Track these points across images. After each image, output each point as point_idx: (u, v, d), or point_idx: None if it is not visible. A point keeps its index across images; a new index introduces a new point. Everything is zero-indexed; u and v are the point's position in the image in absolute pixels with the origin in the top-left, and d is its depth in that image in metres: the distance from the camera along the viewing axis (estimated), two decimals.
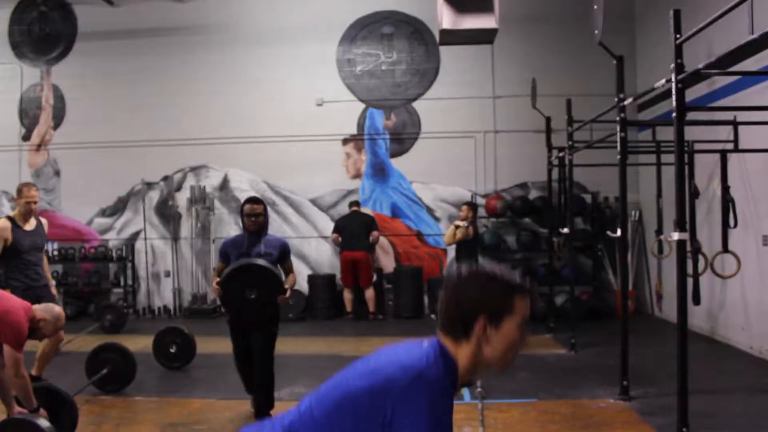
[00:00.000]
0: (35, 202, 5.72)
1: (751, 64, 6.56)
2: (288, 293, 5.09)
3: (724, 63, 4.60)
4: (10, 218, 5.65)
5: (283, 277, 5.29)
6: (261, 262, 5.02)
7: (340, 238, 10.46)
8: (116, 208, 11.62)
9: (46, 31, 11.67)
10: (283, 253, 5.29)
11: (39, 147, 11.72)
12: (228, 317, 5.41)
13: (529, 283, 1.78)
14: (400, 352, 1.72)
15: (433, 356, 1.69)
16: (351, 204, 10.66)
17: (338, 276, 10.75)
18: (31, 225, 5.72)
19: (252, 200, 5.30)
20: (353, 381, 1.70)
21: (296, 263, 11.11)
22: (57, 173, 11.64)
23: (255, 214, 5.16)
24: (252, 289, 4.96)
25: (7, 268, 5.53)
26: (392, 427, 1.59)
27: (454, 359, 1.72)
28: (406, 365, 1.65)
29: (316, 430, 1.71)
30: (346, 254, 10.41)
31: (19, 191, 5.74)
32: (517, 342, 1.73)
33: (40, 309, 4.46)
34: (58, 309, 4.63)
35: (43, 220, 5.97)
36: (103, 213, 11.61)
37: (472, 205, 8.68)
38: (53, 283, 6.09)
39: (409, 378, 1.62)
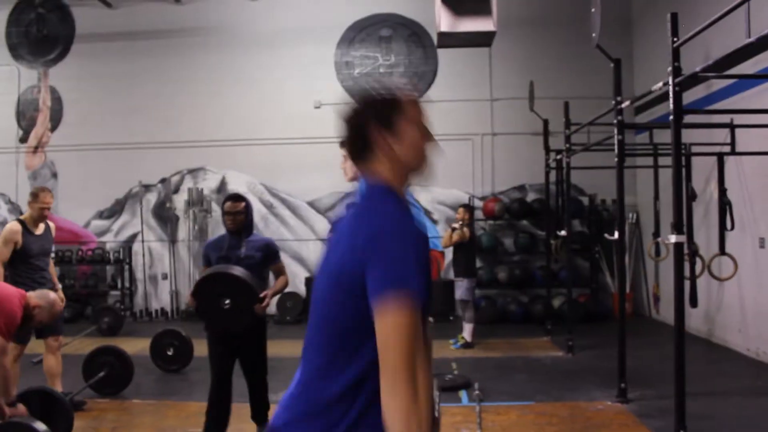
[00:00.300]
0: (49, 208, 5.61)
1: (748, 66, 6.56)
2: (265, 302, 4.65)
3: (721, 66, 4.60)
4: (20, 221, 5.54)
5: (272, 280, 5.03)
6: (235, 270, 4.62)
7: None
8: (113, 211, 11.61)
9: (43, 32, 11.67)
10: (268, 255, 4.87)
11: (36, 149, 11.71)
12: (205, 326, 4.93)
13: (413, 86, 1.85)
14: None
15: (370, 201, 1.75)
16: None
17: None
18: (40, 230, 5.62)
19: (232, 197, 4.87)
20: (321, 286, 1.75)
21: (293, 265, 11.22)
22: (54, 175, 11.63)
23: (235, 212, 4.73)
24: (226, 298, 4.59)
25: (14, 272, 5.40)
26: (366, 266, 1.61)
27: (384, 184, 1.77)
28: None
29: (316, 347, 1.76)
30: None
31: (35, 195, 5.59)
32: (419, 140, 1.79)
33: (35, 296, 4.47)
34: (53, 295, 4.63)
35: (51, 224, 5.86)
36: (101, 215, 11.59)
37: (468, 207, 8.66)
38: (60, 287, 5.95)
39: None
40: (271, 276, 5.13)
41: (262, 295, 4.63)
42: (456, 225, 8.25)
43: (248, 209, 4.81)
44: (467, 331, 8.23)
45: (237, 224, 4.75)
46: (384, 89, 1.81)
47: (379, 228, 1.62)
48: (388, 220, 1.64)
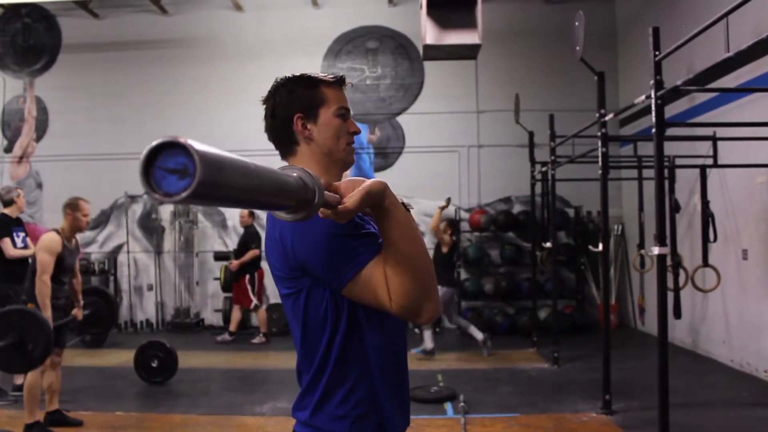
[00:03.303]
0: (88, 221, 5.40)
1: (730, 80, 6.65)
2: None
3: (702, 80, 4.66)
4: (58, 232, 5.23)
5: None
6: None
7: None
8: (99, 221, 11.53)
9: (29, 42, 11.62)
10: None
11: (21, 159, 11.63)
12: None
13: (335, 74, 1.82)
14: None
15: None
16: None
17: None
18: (73, 243, 5.36)
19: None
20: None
21: None
22: (39, 185, 11.55)
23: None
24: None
25: (33, 285, 5.14)
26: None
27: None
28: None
29: (301, 337, 1.73)
30: None
31: (74, 205, 5.28)
32: (341, 128, 1.77)
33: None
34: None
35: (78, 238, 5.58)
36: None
37: (451, 222, 8.71)
38: (82, 303, 5.73)
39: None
40: None
41: None
42: (443, 203, 8.42)
43: None
44: (473, 331, 8.39)
45: None
46: (305, 78, 1.80)
47: (298, 230, 1.60)
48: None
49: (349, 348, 1.65)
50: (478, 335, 8.33)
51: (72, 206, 5.28)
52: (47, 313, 4.95)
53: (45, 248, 5.10)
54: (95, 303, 6.13)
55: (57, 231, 5.24)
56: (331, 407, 1.66)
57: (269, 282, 10.85)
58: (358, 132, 1.82)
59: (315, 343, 1.67)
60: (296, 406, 1.75)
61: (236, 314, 9.85)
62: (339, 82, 1.81)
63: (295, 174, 1.12)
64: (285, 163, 1.79)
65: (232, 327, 9.80)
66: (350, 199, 1.33)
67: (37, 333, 4.68)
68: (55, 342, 5.27)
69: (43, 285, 5.02)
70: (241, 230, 11.31)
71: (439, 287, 8.17)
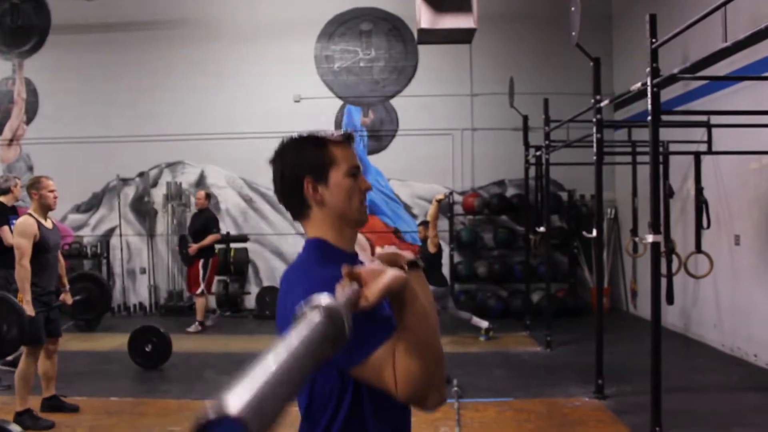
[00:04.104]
0: (56, 195, 5.30)
1: (724, 66, 6.64)
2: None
3: (698, 67, 4.64)
4: (30, 215, 5.17)
5: None
6: None
7: None
8: (91, 204, 11.48)
9: (18, 23, 11.47)
10: None
11: (11, 142, 11.54)
12: None
13: (344, 133, 1.78)
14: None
15: (304, 254, 1.73)
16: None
17: None
18: (49, 223, 5.29)
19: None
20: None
21: (273, 260, 11.21)
22: (30, 168, 11.46)
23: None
24: None
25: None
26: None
27: (317, 238, 1.72)
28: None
29: (305, 408, 1.69)
30: None
31: (37, 183, 5.21)
32: (353, 188, 1.72)
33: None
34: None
35: (53, 220, 5.51)
36: (78, 209, 11.46)
37: (426, 224, 8.54)
38: (68, 287, 5.71)
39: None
40: None
41: None
42: (440, 197, 8.39)
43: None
44: (476, 321, 8.45)
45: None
46: (313, 138, 1.74)
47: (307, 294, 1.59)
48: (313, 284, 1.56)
49: (349, 429, 1.61)
50: (483, 324, 8.40)
51: (35, 185, 5.23)
52: (27, 297, 4.92)
53: (20, 232, 5.06)
54: (88, 288, 6.11)
55: (29, 214, 5.19)
56: None
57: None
58: (370, 188, 1.77)
59: (317, 417, 1.63)
60: None
61: (198, 302, 9.39)
62: (348, 140, 1.77)
63: (318, 318, 1.08)
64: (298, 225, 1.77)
65: (199, 316, 9.33)
66: (371, 295, 1.30)
67: (13, 320, 4.65)
68: (49, 331, 5.27)
69: (22, 269, 4.98)
70: (236, 214, 11.28)
71: (432, 287, 8.19)
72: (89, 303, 6.08)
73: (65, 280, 5.72)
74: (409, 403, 1.51)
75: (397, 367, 1.45)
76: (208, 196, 9.61)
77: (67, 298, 5.67)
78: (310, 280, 1.57)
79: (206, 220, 9.33)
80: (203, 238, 9.13)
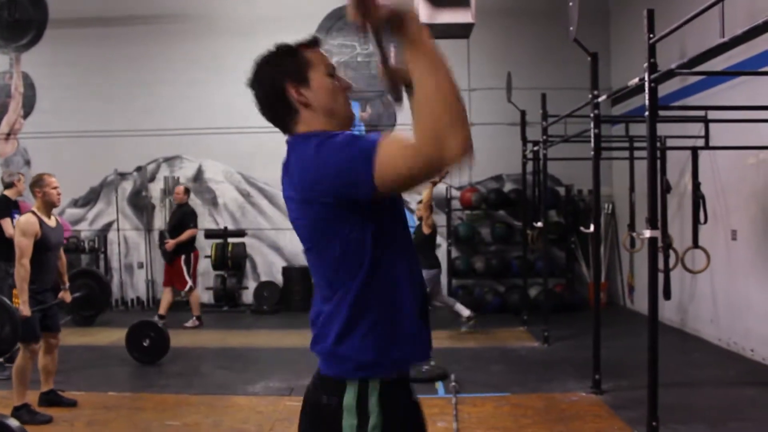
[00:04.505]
0: (59, 192, 5.27)
1: (722, 60, 6.64)
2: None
3: (695, 62, 4.65)
4: (34, 213, 5.15)
5: None
6: None
7: None
8: (88, 199, 11.48)
9: (15, 16, 11.44)
10: None
11: (8, 136, 11.52)
12: None
13: (311, 36, 1.83)
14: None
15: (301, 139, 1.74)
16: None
17: None
18: (52, 222, 5.27)
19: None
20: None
21: (271, 255, 11.22)
22: (27, 163, 11.45)
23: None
24: None
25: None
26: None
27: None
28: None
29: (319, 277, 1.77)
30: None
31: (40, 181, 5.20)
32: (336, 87, 1.77)
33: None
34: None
35: (58, 218, 5.51)
36: (75, 203, 11.46)
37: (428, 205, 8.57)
38: (68, 285, 5.69)
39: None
40: None
41: None
42: (435, 179, 8.36)
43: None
44: (458, 308, 8.44)
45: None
46: (283, 47, 1.78)
47: (316, 146, 1.62)
48: (317, 138, 1.64)
49: (374, 282, 1.67)
50: (464, 312, 8.37)
51: (38, 183, 5.20)
52: (24, 297, 4.90)
53: (21, 231, 5.02)
54: (87, 285, 6.10)
55: (32, 212, 5.16)
56: (356, 337, 1.68)
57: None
58: (350, 87, 1.82)
59: (339, 279, 1.70)
60: (316, 340, 1.77)
61: (168, 296, 9.10)
62: (315, 43, 1.82)
63: None
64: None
65: (162, 310, 8.98)
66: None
67: (5, 318, 4.63)
68: (48, 326, 5.28)
69: (21, 268, 4.95)
70: (234, 209, 11.28)
71: (423, 270, 8.17)
72: (89, 300, 6.08)
73: (66, 278, 5.70)
74: (432, 153, 1.46)
75: (416, 123, 1.47)
76: (187, 191, 9.44)
77: (66, 296, 5.66)
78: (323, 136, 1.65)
79: (183, 214, 9.12)
80: (181, 234, 8.90)
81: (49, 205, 5.23)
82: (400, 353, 1.72)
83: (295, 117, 1.75)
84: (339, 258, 1.68)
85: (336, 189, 1.58)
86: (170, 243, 8.85)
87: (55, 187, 5.22)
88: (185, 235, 8.89)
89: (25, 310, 4.88)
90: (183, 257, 8.99)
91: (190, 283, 9.01)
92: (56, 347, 5.47)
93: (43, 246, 5.10)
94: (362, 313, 1.68)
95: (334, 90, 1.77)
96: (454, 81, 1.48)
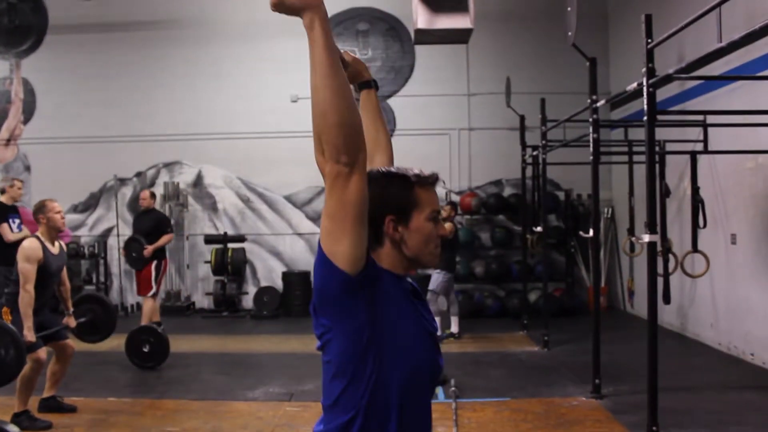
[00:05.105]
0: (63, 216, 5.26)
1: (720, 65, 6.65)
2: None
3: (694, 67, 4.66)
4: (37, 238, 5.12)
5: None
6: None
7: None
8: (88, 204, 11.49)
9: (15, 23, 11.46)
10: None
11: (8, 142, 11.53)
12: None
13: (431, 174, 1.75)
14: None
15: None
16: None
17: (313, 273, 10.70)
18: (56, 248, 5.24)
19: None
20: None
21: (270, 260, 11.22)
22: (27, 168, 11.46)
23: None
24: None
25: (17, 293, 5.01)
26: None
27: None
28: None
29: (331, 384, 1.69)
30: None
31: (42, 207, 5.15)
32: (432, 233, 1.70)
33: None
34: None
35: (62, 244, 5.48)
36: (75, 209, 11.46)
37: (453, 204, 8.74)
38: (72, 310, 5.64)
39: None
40: None
41: None
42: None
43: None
44: (454, 324, 8.44)
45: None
46: (401, 177, 1.70)
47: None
48: None
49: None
50: (454, 327, 8.42)
51: (41, 210, 5.17)
52: (28, 323, 4.87)
53: (24, 257, 4.98)
54: (92, 310, 6.08)
55: (37, 237, 5.13)
56: None
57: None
58: (447, 235, 1.81)
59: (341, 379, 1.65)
60: None
61: (147, 304, 8.42)
62: (434, 183, 1.74)
63: None
64: None
65: (155, 318, 8.36)
66: None
67: (8, 342, 4.61)
68: (56, 336, 5.27)
69: (26, 294, 4.91)
70: (233, 214, 11.28)
71: (439, 271, 8.18)
72: (94, 325, 6.05)
73: (70, 303, 5.67)
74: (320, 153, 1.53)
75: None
76: (153, 195, 9.05)
77: (71, 321, 5.62)
78: None
79: (157, 220, 8.72)
80: (155, 239, 8.46)
81: (53, 231, 5.21)
82: None
83: (375, 247, 1.67)
84: None
85: None
86: (149, 249, 8.40)
87: (58, 212, 5.20)
88: (163, 241, 8.50)
89: (30, 336, 4.86)
90: (155, 263, 8.57)
91: (154, 289, 8.46)
92: (71, 355, 5.46)
93: (44, 272, 5.08)
94: None
95: (429, 237, 1.70)
96: (331, 86, 1.50)
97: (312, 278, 1.66)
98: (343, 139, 1.48)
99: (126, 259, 8.80)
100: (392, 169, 1.74)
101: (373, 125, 2.06)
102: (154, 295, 8.36)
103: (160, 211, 9.08)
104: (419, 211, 1.68)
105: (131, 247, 8.58)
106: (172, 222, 11.12)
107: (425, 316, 1.77)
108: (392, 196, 1.67)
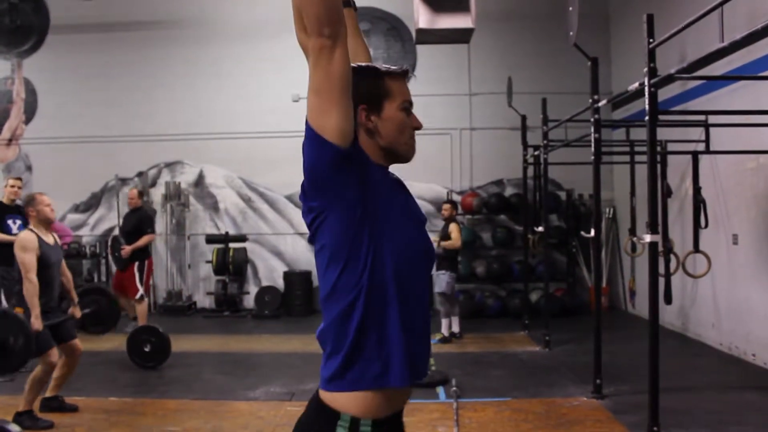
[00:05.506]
0: (52, 209, 5.28)
1: (722, 65, 6.65)
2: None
3: (695, 67, 4.65)
4: (32, 230, 5.15)
5: None
6: None
7: None
8: (90, 204, 11.50)
9: (17, 23, 11.46)
10: None
11: (10, 141, 11.54)
12: None
13: (400, 66, 1.79)
14: None
15: None
16: None
17: (314, 272, 10.71)
18: (50, 239, 5.27)
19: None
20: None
21: (272, 260, 11.22)
22: (29, 168, 11.47)
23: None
24: None
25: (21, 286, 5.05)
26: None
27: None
28: None
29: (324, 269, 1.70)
30: None
31: (32, 200, 5.20)
32: (405, 123, 1.75)
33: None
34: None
35: (56, 236, 5.51)
36: (77, 209, 11.48)
37: (453, 203, 8.71)
38: (77, 300, 5.70)
39: None
40: None
41: None
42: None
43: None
44: (455, 324, 8.41)
45: None
46: (371, 69, 1.75)
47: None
48: None
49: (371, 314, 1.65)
50: (455, 327, 8.41)
51: (30, 203, 5.22)
52: (36, 312, 4.90)
53: (21, 247, 5.02)
54: (96, 302, 6.11)
55: (30, 229, 5.17)
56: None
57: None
58: (420, 127, 1.79)
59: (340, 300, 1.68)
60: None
61: (140, 307, 8.25)
62: (404, 74, 1.78)
63: None
64: None
65: (141, 320, 8.12)
66: None
67: (17, 331, 4.63)
68: (63, 338, 5.28)
69: (30, 283, 4.95)
70: (235, 214, 11.28)
71: (443, 272, 8.17)
72: (98, 316, 6.08)
73: (74, 294, 5.70)
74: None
75: None
76: (141, 194, 8.95)
77: (76, 311, 5.68)
78: None
79: (139, 220, 8.52)
80: (137, 239, 8.29)
81: (44, 222, 5.25)
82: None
83: None
84: None
85: None
86: (126, 249, 8.24)
87: (47, 204, 5.24)
88: (142, 241, 8.31)
89: (37, 323, 4.88)
90: (137, 264, 8.37)
91: (141, 291, 8.30)
92: (79, 356, 5.46)
93: (43, 263, 5.11)
94: None
95: (403, 125, 1.74)
96: None
97: (303, 180, 1.70)
98: (325, 9, 1.55)
99: (112, 259, 8.75)
100: (362, 63, 1.79)
101: (354, 41, 2.05)
102: (142, 297, 8.19)
103: (145, 211, 8.90)
104: (391, 100, 1.73)
105: (114, 247, 8.56)
106: (174, 222, 11.19)
107: (413, 204, 1.84)
108: (363, 86, 1.70)
